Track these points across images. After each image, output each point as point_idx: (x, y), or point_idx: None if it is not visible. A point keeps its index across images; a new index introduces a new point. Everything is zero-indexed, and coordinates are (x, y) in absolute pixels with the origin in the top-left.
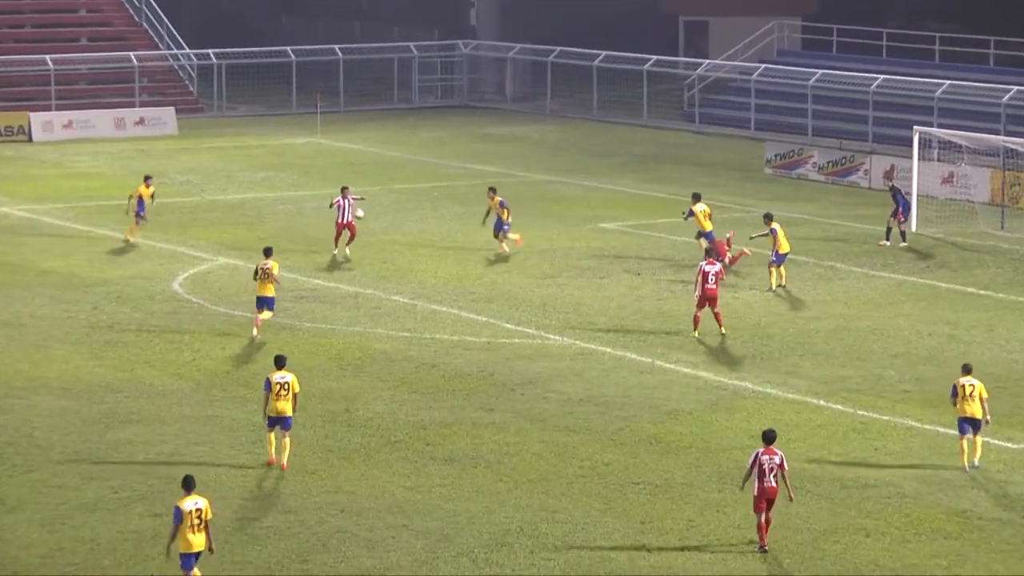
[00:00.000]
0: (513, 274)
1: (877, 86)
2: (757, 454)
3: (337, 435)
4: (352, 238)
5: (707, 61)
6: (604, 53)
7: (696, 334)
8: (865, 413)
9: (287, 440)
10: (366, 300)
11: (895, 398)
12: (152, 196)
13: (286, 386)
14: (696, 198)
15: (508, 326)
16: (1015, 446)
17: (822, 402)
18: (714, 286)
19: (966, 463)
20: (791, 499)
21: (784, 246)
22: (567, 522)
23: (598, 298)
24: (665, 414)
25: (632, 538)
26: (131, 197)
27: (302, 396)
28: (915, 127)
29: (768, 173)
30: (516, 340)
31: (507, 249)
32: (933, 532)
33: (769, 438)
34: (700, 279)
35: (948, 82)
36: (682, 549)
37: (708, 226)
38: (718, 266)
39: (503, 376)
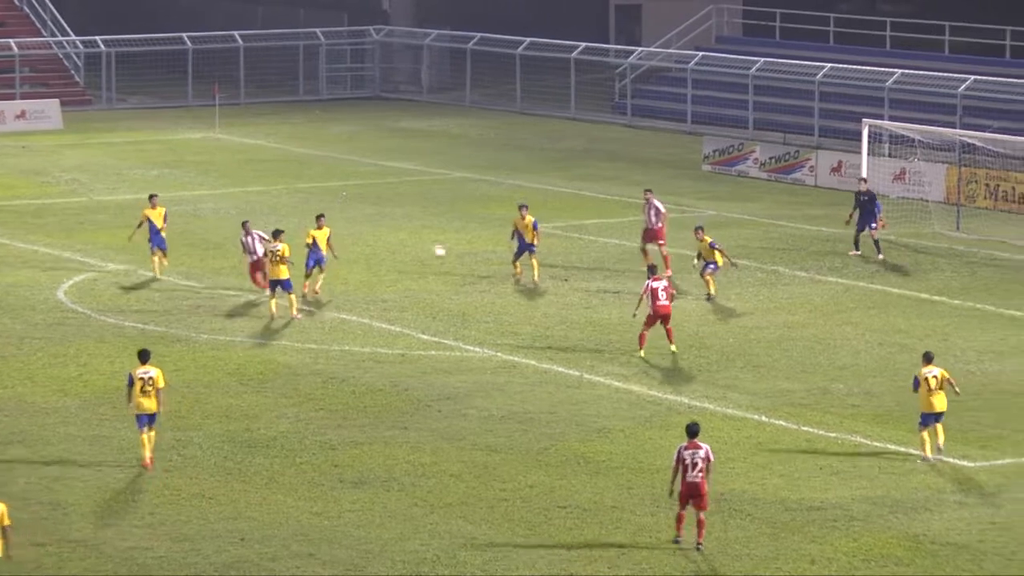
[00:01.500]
0: (429, 280)
1: (823, 75)
2: (680, 449)
3: (237, 457)
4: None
5: (640, 49)
6: (529, 40)
7: (642, 354)
8: (810, 429)
9: (153, 433)
10: (303, 298)
11: (843, 413)
12: (164, 218)
13: (150, 381)
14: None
15: (424, 337)
16: (970, 464)
17: (764, 418)
18: (667, 302)
19: (930, 453)
20: (705, 494)
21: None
22: (488, 549)
23: (522, 306)
24: (594, 432)
25: (558, 566)
26: (139, 224)
27: (198, 415)
28: (864, 120)
29: (706, 170)
30: (432, 352)
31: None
32: (883, 558)
33: (692, 431)
34: (650, 297)
35: (900, 71)
36: None
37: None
38: (665, 281)
39: (418, 391)
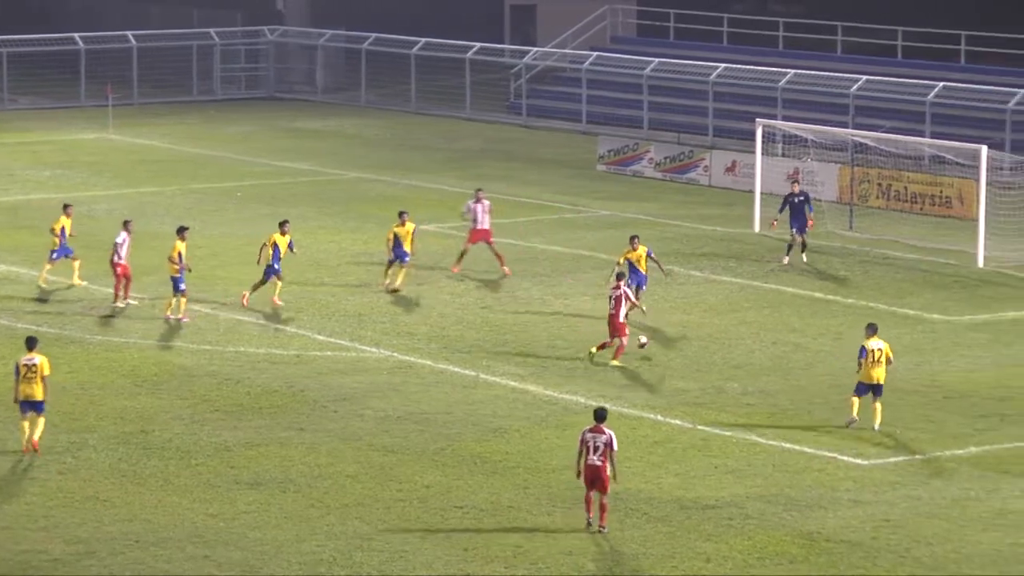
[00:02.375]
0: (325, 281)
1: (717, 75)
2: (584, 432)
3: (132, 458)
4: (118, 280)
5: (535, 49)
6: (424, 40)
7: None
8: (706, 428)
9: (41, 420)
10: (163, 311)
11: (737, 412)
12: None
13: (34, 368)
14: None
15: (319, 338)
16: (864, 462)
17: (660, 417)
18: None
19: (856, 415)
20: (615, 479)
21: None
22: (384, 550)
23: (418, 307)
24: (490, 432)
25: (455, 566)
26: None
27: (92, 416)
28: (758, 120)
29: (601, 170)
30: (328, 353)
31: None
32: (778, 556)
33: (600, 416)
34: (616, 303)
35: (793, 71)
36: None
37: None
38: (622, 289)
39: (314, 392)
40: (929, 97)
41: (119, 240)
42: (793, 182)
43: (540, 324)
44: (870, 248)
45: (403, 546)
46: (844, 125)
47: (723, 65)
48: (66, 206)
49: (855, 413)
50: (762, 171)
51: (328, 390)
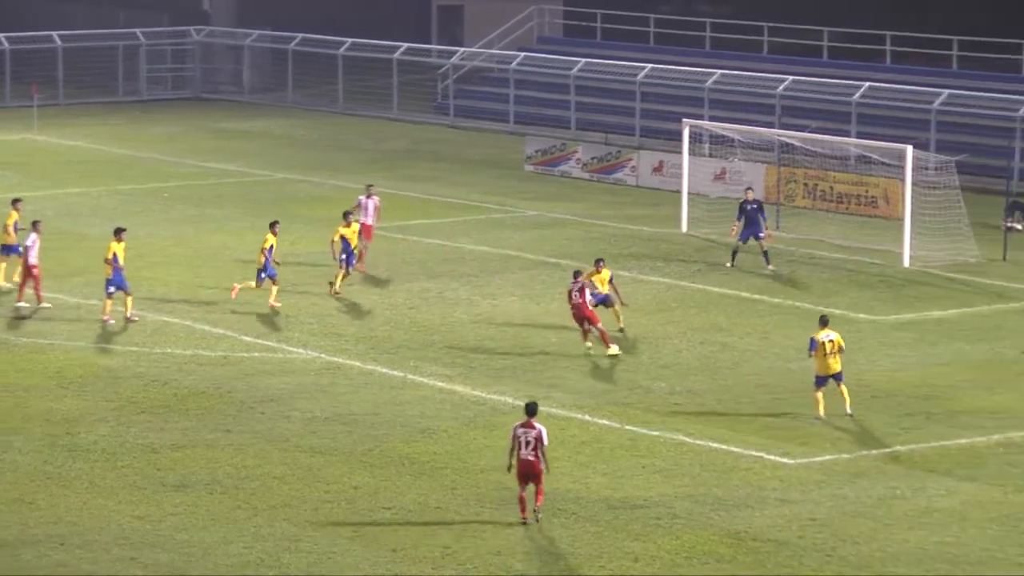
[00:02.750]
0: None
1: (644, 76)
2: (515, 427)
3: (57, 460)
4: (36, 281)
5: (462, 49)
6: (351, 40)
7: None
8: (633, 428)
9: None
10: (89, 312)
11: (665, 411)
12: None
13: None
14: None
15: (246, 339)
16: (791, 461)
17: (588, 417)
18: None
19: (823, 413)
20: (547, 471)
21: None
22: (312, 552)
23: (345, 307)
24: (418, 432)
25: (383, 567)
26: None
27: (18, 418)
28: (684, 120)
29: (529, 170)
30: (255, 354)
31: (272, 304)
32: (705, 556)
33: (531, 410)
34: (575, 301)
35: (719, 71)
36: None
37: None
38: (581, 281)
39: (241, 393)
40: (855, 97)
41: (28, 242)
42: (747, 189)
43: (468, 324)
44: (796, 248)
45: (331, 547)
46: (770, 125)
47: (650, 66)
48: (15, 200)
49: (821, 411)
50: (689, 171)
51: (255, 391)
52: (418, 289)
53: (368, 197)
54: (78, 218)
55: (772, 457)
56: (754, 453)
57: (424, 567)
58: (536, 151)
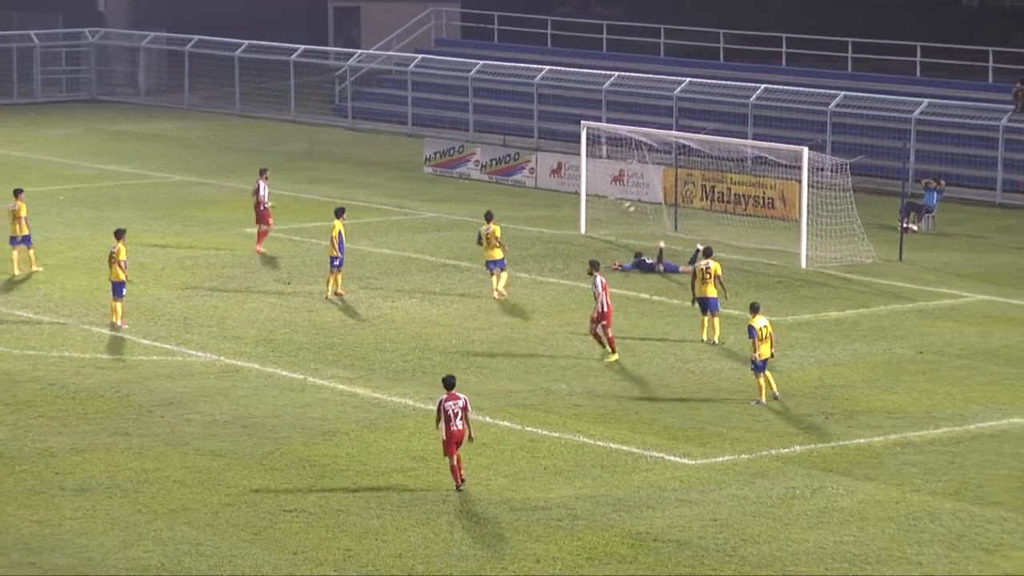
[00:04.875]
0: (150, 285)
1: (542, 78)
2: (441, 401)
3: None
4: None
5: (360, 51)
6: (247, 42)
7: (614, 357)
8: (534, 430)
9: None
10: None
11: (566, 413)
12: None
13: None
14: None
15: (145, 342)
16: (691, 462)
17: (488, 419)
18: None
19: (764, 398)
20: (471, 439)
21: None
22: (212, 555)
23: (244, 310)
24: (319, 435)
25: (284, 569)
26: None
27: None
28: (583, 122)
29: (428, 172)
30: (154, 357)
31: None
32: (607, 556)
33: (449, 384)
34: (603, 292)
35: (617, 73)
36: None
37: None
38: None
39: (140, 397)
40: (751, 99)
41: None
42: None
43: (367, 327)
44: (694, 249)
45: (232, 551)
46: (668, 127)
47: (547, 67)
48: (17, 191)
49: (763, 396)
50: (587, 173)
51: (154, 395)
52: (318, 291)
53: (263, 178)
54: None
55: (673, 458)
56: (655, 454)
57: (326, 569)
58: (435, 153)
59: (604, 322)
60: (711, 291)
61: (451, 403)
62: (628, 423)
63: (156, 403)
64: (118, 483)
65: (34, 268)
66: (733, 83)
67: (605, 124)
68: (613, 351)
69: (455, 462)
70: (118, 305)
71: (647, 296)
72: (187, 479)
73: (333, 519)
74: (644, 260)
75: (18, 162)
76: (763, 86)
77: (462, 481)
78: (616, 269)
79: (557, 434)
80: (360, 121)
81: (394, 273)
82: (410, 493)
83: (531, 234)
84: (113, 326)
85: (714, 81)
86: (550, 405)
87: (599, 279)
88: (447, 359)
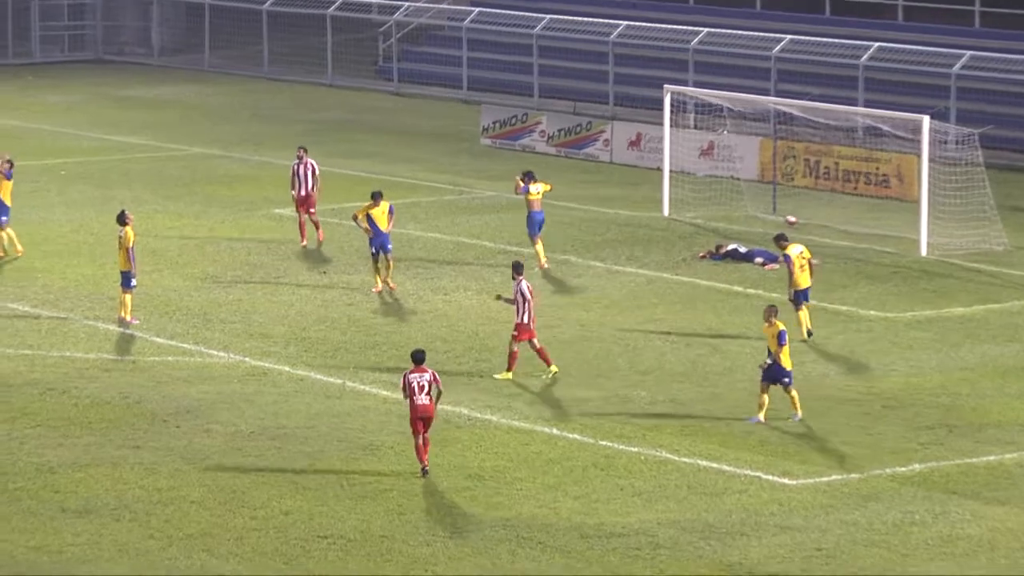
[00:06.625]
0: (165, 274)
1: (618, 35)
2: (406, 375)
3: None
4: None
5: (407, 4)
6: None
7: (510, 376)
8: (609, 444)
9: None
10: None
11: (646, 425)
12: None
13: None
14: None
15: (159, 340)
16: (792, 482)
17: (555, 431)
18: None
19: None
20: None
21: (801, 279)
22: None
23: (274, 304)
24: (360, 449)
25: None
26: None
27: None
28: (666, 86)
29: (485, 144)
30: (170, 358)
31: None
32: None
33: (418, 358)
34: (523, 302)
35: (706, 30)
36: None
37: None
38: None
39: (153, 404)
40: (863, 60)
41: None
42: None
43: (415, 323)
44: (796, 234)
45: None
46: (765, 92)
47: (625, 23)
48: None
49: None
50: (671, 145)
51: (169, 401)
52: (358, 283)
53: (300, 162)
54: None
55: (770, 477)
56: (749, 472)
57: None
58: (494, 122)
59: (515, 332)
60: (806, 280)
61: (416, 375)
62: (718, 436)
63: (171, 411)
64: (127, 504)
65: (17, 249)
66: (841, 41)
67: (692, 88)
68: (509, 368)
69: (419, 441)
70: (127, 297)
71: (740, 289)
72: (207, 500)
73: (376, 547)
74: (737, 249)
75: (12, 132)
76: (876, 44)
77: (427, 467)
78: (704, 257)
79: (636, 449)
80: (407, 85)
81: (446, 262)
82: (465, 517)
83: (606, 216)
84: (122, 322)
85: (819, 38)
86: (627, 415)
87: (523, 284)
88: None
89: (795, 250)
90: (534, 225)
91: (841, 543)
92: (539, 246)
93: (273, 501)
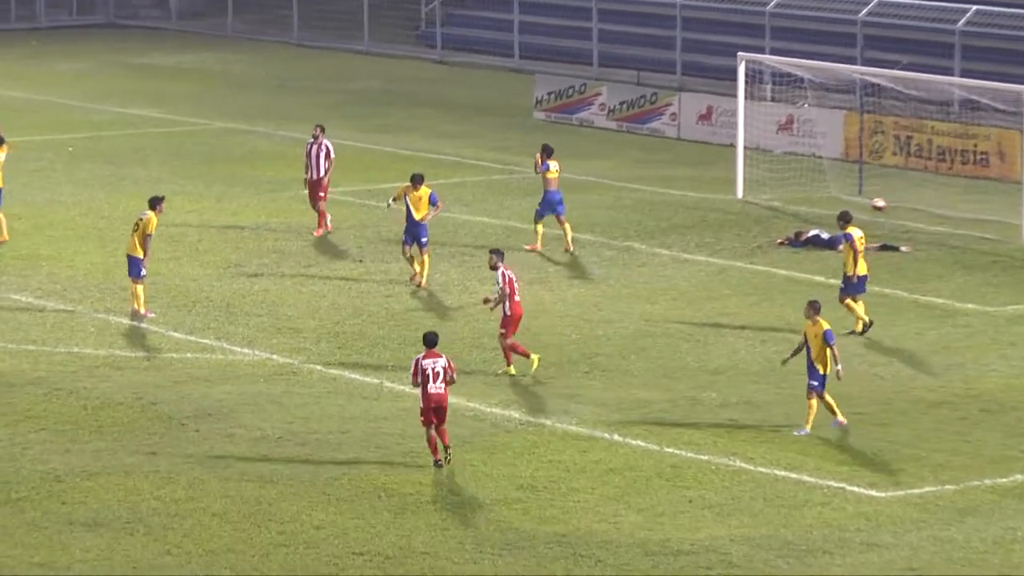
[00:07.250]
0: (184, 262)
1: None
2: (418, 360)
3: None
4: None
5: None
6: None
7: (511, 370)
8: (676, 451)
9: None
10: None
11: (717, 430)
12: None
13: None
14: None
15: (177, 335)
16: (880, 494)
17: (617, 437)
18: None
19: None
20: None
21: (859, 266)
22: None
23: (304, 295)
24: (400, 456)
25: None
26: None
27: None
28: (740, 54)
29: (539, 118)
30: (189, 355)
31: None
32: None
33: (431, 341)
34: (509, 291)
35: None
36: None
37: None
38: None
39: (170, 406)
40: (959, 25)
41: None
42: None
43: (460, 317)
44: (884, 218)
45: None
46: (851, 61)
47: None
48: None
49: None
50: (745, 119)
51: (188, 403)
52: (396, 271)
53: (315, 142)
54: None
55: (856, 489)
56: (832, 483)
57: None
58: (548, 94)
59: (503, 330)
60: (864, 266)
61: (430, 361)
62: (797, 444)
63: (190, 414)
64: (141, 516)
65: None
66: (936, 3)
67: (769, 57)
68: (508, 363)
69: (432, 433)
70: (139, 288)
71: (822, 279)
72: (229, 512)
73: (417, 564)
74: (819, 235)
75: (15, 104)
76: (974, 8)
77: (441, 460)
78: (783, 244)
79: (706, 457)
80: (452, 52)
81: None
82: (515, 532)
83: (673, 199)
84: (135, 315)
85: (911, 1)
86: (697, 419)
87: (506, 273)
88: (562, 358)
89: (857, 232)
90: (549, 206)
91: (935, 562)
92: (540, 227)
93: (303, 514)
